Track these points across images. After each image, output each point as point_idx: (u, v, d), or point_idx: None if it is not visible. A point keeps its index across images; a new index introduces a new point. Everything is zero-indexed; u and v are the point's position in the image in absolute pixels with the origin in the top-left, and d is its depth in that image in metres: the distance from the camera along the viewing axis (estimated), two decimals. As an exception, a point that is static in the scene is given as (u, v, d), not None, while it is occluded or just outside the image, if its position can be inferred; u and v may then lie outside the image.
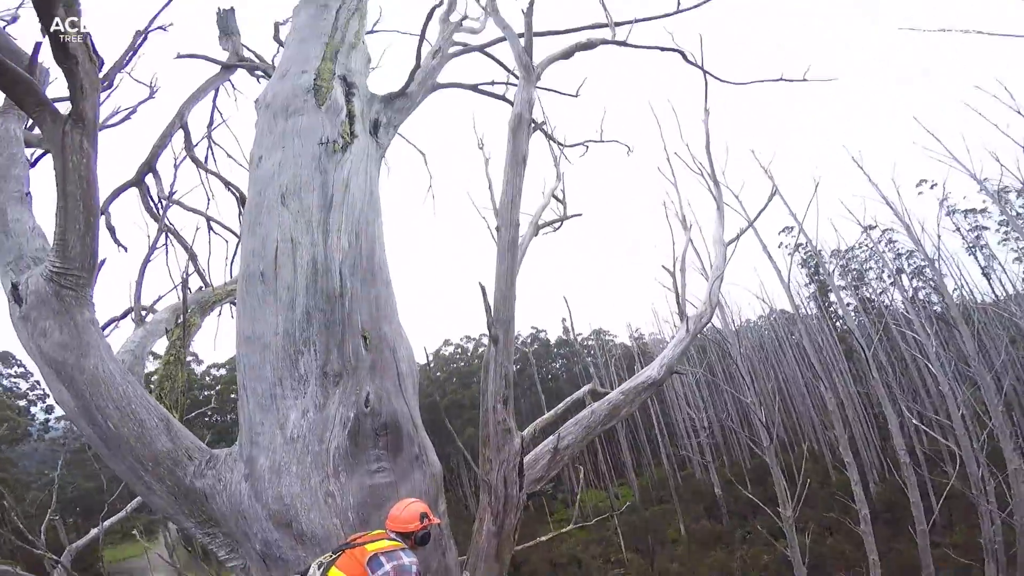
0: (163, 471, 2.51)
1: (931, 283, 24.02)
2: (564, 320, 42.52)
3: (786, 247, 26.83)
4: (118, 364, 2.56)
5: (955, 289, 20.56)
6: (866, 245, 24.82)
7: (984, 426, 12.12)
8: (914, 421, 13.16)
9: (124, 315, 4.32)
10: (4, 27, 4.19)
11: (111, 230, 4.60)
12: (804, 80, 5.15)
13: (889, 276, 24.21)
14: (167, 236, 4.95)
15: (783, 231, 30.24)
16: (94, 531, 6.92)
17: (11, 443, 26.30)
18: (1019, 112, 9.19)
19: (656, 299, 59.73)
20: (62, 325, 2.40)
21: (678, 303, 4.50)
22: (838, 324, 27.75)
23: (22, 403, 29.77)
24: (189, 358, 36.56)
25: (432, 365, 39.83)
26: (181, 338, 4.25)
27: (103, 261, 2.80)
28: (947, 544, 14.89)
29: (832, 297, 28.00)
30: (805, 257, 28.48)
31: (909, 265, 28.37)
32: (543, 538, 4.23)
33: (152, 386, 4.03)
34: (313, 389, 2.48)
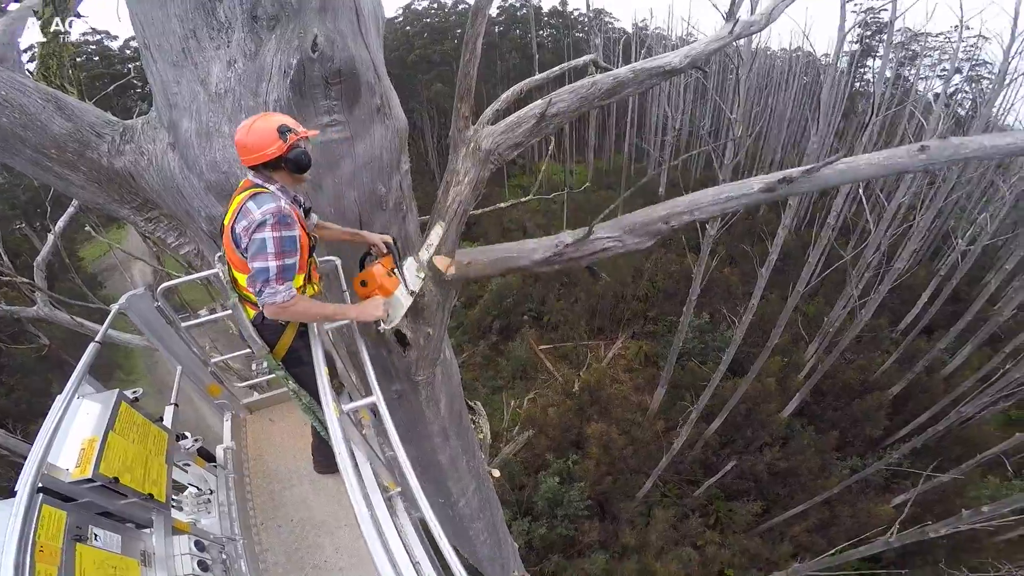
0: (71, 156, 2.19)
1: (982, 94, 23.31)
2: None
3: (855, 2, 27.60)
4: None
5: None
6: (946, 37, 24.92)
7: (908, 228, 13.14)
8: (860, 191, 13.69)
9: (-16, 13, 3.41)
10: None
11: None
12: None
13: (944, 71, 23.65)
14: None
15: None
16: (51, 237, 6.33)
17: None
18: None
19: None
20: None
21: (733, 4, 3.89)
22: (856, 85, 30.02)
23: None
24: (99, 35, 30.95)
25: (401, 19, 35.80)
26: (54, 10, 3.59)
27: None
28: (803, 309, 17.60)
29: (870, 62, 30.15)
30: (869, 21, 28.58)
31: (971, 71, 27.35)
32: (503, 204, 4.29)
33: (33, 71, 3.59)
34: (240, 37, 1.92)
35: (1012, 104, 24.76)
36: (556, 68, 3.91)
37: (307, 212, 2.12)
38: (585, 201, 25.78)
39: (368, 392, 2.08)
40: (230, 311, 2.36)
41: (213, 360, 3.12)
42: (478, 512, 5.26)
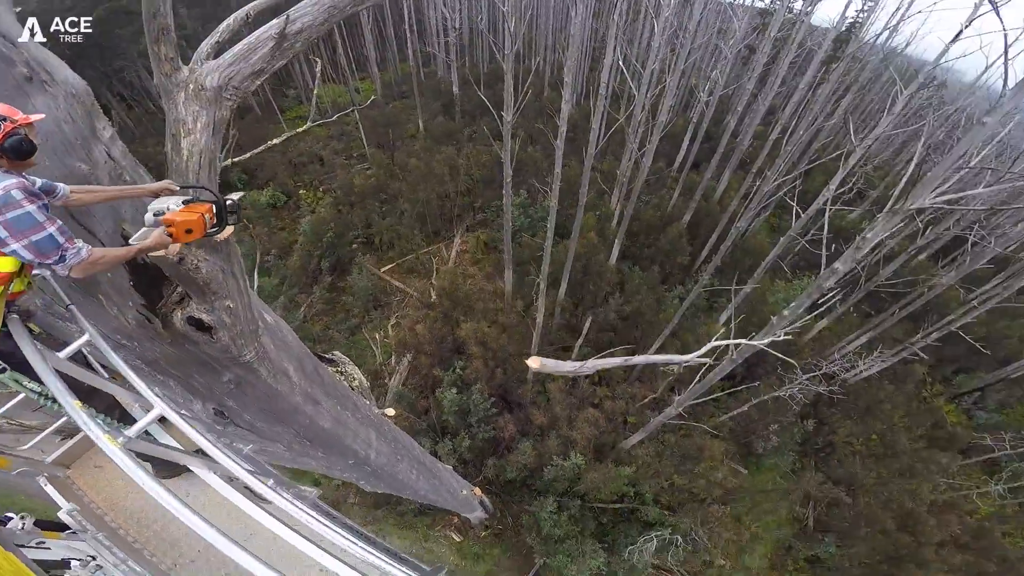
0: None
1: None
2: None
3: None
4: None
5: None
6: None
7: (663, 89, 15.09)
8: (620, 63, 15.14)
9: None
10: None
11: None
12: None
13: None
14: None
15: None
16: None
17: None
18: None
19: None
20: None
21: None
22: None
23: None
24: None
25: (81, -31, 26.37)
26: None
27: None
28: (599, 168, 19.69)
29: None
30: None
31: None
32: (276, 140, 3.78)
33: None
34: None
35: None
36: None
37: (50, 190, 1.92)
38: (380, 116, 24.49)
39: (190, 407, 1.87)
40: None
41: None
42: (394, 456, 5.27)
